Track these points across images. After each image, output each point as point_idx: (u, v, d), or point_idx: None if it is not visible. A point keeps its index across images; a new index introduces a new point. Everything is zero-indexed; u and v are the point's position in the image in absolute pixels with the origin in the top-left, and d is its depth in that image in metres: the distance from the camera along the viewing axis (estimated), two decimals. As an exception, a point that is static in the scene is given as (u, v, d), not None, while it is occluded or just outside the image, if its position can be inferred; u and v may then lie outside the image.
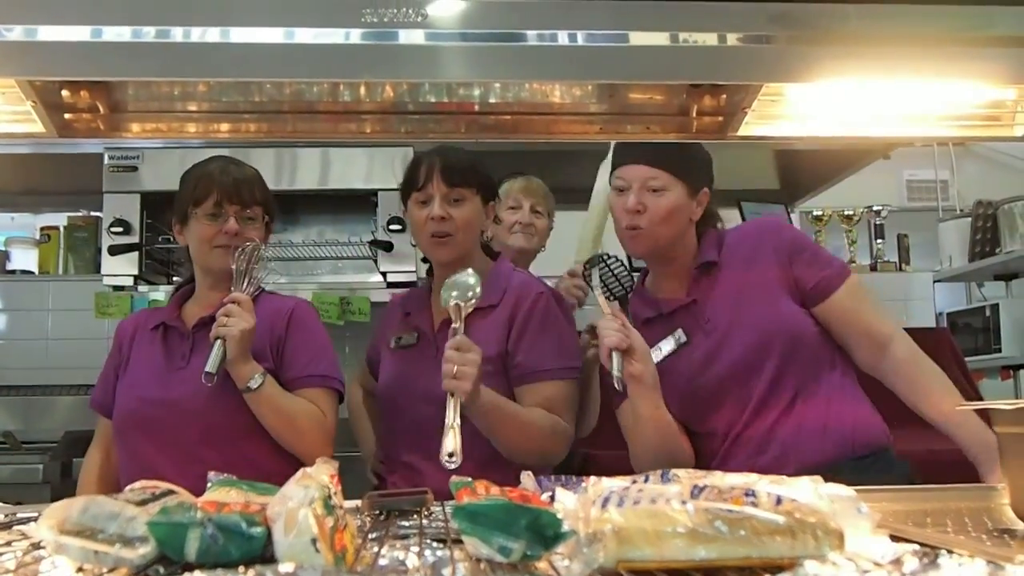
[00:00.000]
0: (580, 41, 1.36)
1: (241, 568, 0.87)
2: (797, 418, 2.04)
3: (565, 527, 0.97)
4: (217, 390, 2.07)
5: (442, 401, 2.11)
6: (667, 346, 2.15)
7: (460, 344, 1.97)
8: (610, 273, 2.17)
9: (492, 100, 1.74)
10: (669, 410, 2.06)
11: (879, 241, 4.93)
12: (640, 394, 2.01)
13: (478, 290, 2.01)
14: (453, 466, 1.75)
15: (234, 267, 2.18)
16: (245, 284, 2.18)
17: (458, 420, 1.85)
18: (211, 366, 2.04)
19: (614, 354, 1.95)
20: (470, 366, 1.95)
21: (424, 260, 2.52)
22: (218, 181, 2.24)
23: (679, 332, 2.15)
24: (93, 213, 4.32)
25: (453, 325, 1.99)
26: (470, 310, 2.01)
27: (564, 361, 2.23)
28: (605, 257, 2.18)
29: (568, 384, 2.22)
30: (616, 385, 1.95)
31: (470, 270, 2.07)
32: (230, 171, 2.28)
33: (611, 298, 2.10)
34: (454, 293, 2.01)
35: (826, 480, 1.11)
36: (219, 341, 2.07)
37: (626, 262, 2.24)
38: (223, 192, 2.23)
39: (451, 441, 1.80)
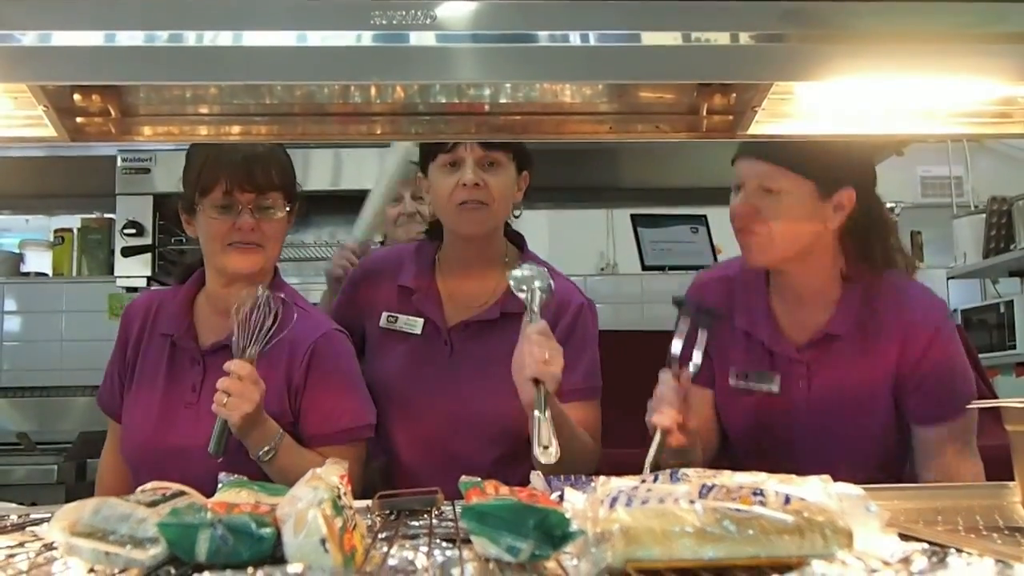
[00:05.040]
0: (592, 41, 1.36)
1: (250, 569, 0.87)
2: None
3: (573, 527, 0.97)
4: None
5: (462, 409, 2.06)
6: (754, 382, 2.00)
7: (544, 330, 1.79)
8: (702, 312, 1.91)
9: (502, 100, 1.73)
10: (719, 414, 2.01)
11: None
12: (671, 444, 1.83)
13: (539, 284, 1.82)
14: (549, 460, 1.60)
15: (235, 325, 1.85)
16: (249, 345, 1.84)
17: (549, 412, 1.68)
18: (214, 447, 1.79)
19: (658, 431, 1.79)
20: (559, 355, 1.77)
21: (428, 229, 2.31)
22: (226, 162, 1.95)
23: (776, 380, 1.98)
24: (106, 215, 4.35)
25: (531, 311, 1.80)
26: (545, 300, 1.83)
27: (593, 380, 2.10)
28: (699, 303, 1.94)
29: (596, 404, 2.10)
30: (643, 471, 1.71)
31: (533, 266, 1.88)
32: (240, 148, 1.96)
33: (703, 327, 1.87)
34: (525, 285, 1.83)
35: None
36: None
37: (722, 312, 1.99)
38: (233, 178, 1.94)
39: (545, 432, 1.63)
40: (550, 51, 1.36)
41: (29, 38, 1.32)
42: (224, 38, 1.34)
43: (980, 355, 3.89)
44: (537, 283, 1.83)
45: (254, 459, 1.86)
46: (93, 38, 1.33)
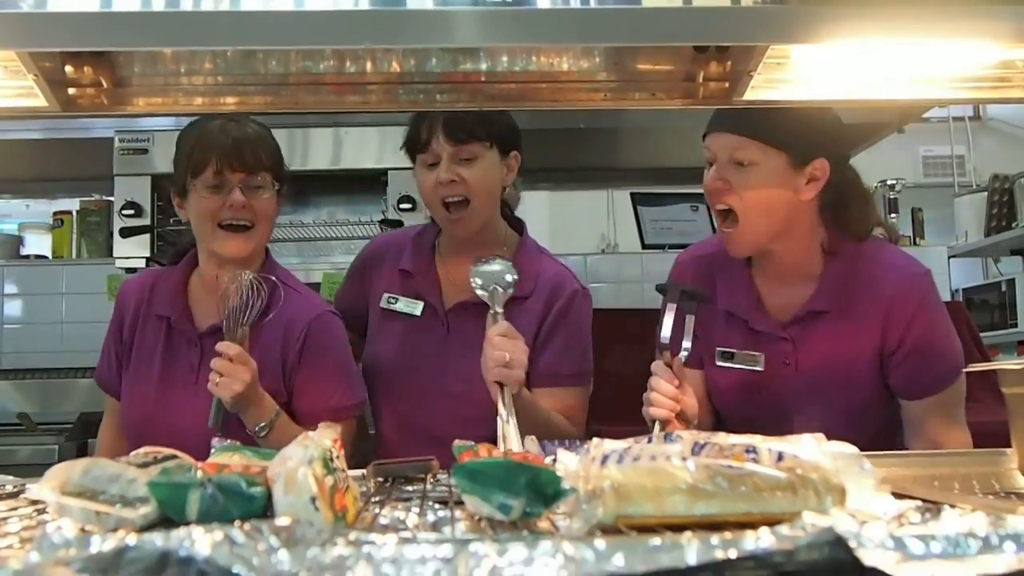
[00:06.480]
0: (591, 4, 1.35)
1: (238, 522, 0.87)
2: None
3: (565, 485, 0.96)
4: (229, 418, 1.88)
5: (454, 390, 2.06)
6: (739, 362, 1.97)
7: (507, 331, 1.81)
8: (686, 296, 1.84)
9: (498, 69, 1.72)
10: (709, 393, 1.99)
11: (893, 216, 4.89)
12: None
13: (509, 278, 1.86)
14: None
15: (221, 308, 1.90)
16: (239, 326, 1.89)
17: (514, 415, 1.69)
18: (212, 422, 1.85)
19: (656, 423, 1.77)
20: (521, 354, 1.79)
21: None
22: (217, 144, 1.97)
23: (760, 359, 1.94)
24: (105, 197, 4.33)
25: (493, 311, 1.83)
26: (507, 297, 1.86)
27: (584, 366, 2.14)
28: (682, 286, 1.86)
29: (584, 390, 2.14)
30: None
31: (498, 259, 1.90)
32: (229, 130, 1.99)
33: (689, 312, 1.82)
34: (481, 282, 1.86)
35: None
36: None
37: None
38: (223, 158, 1.96)
39: (514, 439, 1.64)
40: (548, 14, 1.36)
41: (20, 3, 1.31)
42: (220, 2, 1.33)
43: (981, 334, 3.88)
44: (499, 281, 1.85)
45: (250, 433, 1.90)
46: (87, 3, 1.32)
